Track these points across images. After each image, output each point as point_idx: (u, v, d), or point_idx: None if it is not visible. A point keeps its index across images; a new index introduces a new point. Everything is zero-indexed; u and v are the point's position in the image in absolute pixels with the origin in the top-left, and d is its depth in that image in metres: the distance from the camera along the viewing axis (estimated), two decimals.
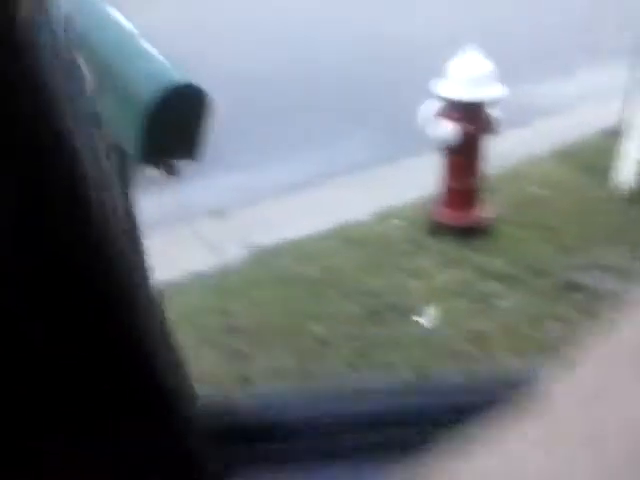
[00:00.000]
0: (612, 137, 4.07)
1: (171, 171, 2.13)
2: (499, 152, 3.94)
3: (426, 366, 2.52)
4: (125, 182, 2.23)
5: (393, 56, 7.12)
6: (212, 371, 2.43)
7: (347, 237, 3.50)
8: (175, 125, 2.04)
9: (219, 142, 4.80)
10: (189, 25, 8.28)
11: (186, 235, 3.70)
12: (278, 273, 3.12)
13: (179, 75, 1.97)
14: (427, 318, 2.79)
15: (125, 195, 2.03)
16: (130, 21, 2.12)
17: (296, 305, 2.86)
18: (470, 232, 3.41)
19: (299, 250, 3.35)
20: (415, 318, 2.79)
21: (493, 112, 3.34)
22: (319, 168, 4.67)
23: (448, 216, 3.45)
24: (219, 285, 3.02)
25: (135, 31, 2.08)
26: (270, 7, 9.81)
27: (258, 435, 0.77)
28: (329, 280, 3.05)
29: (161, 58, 2.04)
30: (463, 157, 3.38)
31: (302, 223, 3.75)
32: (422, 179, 4.03)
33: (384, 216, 3.81)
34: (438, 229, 3.44)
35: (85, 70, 1.81)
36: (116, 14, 2.16)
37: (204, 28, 8.31)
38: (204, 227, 3.76)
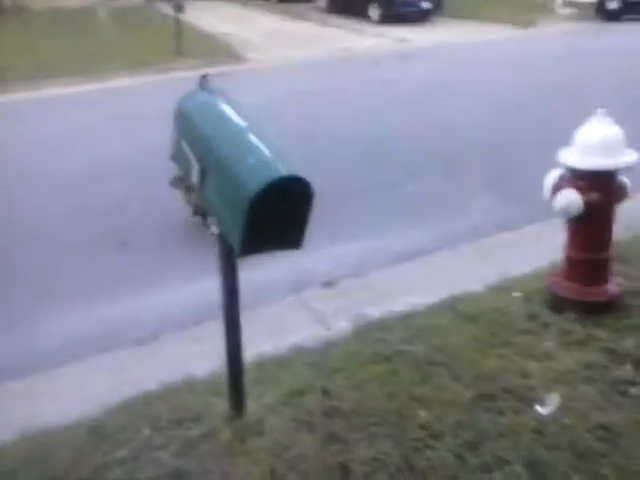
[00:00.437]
0: None
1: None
2: (631, 220, 3.61)
3: (544, 463, 2.24)
4: (231, 265, 2.25)
5: (520, 122, 6.93)
6: (309, 457, 2.32)
7: (460, 311, 3.30)
8: (279, 217, 2.02)
9: (334, 210, 4.84)
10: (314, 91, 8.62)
11: (296, 306, 3.68)
12: (384, 350, 2.97)
13: (284, 168, 1.97)
14: (547, 406, 2.50)
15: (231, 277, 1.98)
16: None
17: (401, 386, 2.68)
18: (598, 308, 3.09)
19: (408, 325, 3.19)
20: (534, 406, 2.52)
21: (623, 179, 3.06)
22: (437, 234, 4.53)
23: (573, 290, 3.15)
24: (322, 361, 2.92)
25: (250, 127, 2.13)
26: (396, 72, 10.03)
27: None
28: (438, 359, 2.85)
29: (268, 152, 2.05)
30: (590, 227, 3.09)
31: (412, 295, 3.59)
32: (545, 249, 3.76)
33: (501, 288, 3.56)
34: (561, 304, 3.15)
35: (193, 161, 1.84)
36: (230, 110, 2.23)
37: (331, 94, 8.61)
38: (314, 298, 3.72)
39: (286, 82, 9.99)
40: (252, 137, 2.11)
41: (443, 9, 15.89)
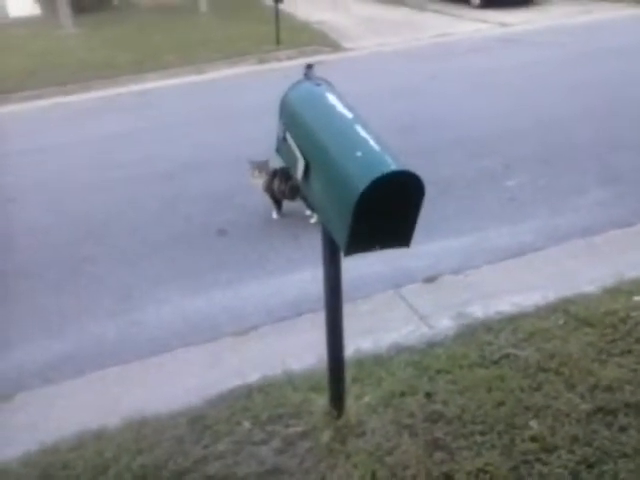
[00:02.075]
0: None
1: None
2: None
3: None
4: (335, 260, 2.18)
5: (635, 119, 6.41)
6: (411, 464, 2.22)
7: (573, 314, 3.07)
8: (387, 213, 1.91)
9: (438, 206, 4.66)
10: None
11: (395, 302, 3.56)
12: (490, 353, 2.81)
13: (394, 162, 1.86)
14: None
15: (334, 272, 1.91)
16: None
17: (510, 393, 2.52)
18: None
19: (516, 327, 3.01)
20: None
21: None
22: (544, 230, 4.27)
23: None
24: (425, 362, 2.80)
25: (356, 119, 2.04)
26: (495, 60, 9.61)
27: None
28: (551, 366, 2.66)
29: (376, 145, 1.95)
30: None
31: (519, 295, 3.39)
32: None
33: (619, 290, 3.29)
34: None
35: (298, 154, 1.75)
36: (336, 101, 2.15)
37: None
38: (415, 295, 3.59)
39: (383, 71, 9.82)
40: (359, 129, 2.00)
41: None
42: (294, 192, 4.55)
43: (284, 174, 4.50)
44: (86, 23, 15.56)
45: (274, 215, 4.78)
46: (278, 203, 4.76)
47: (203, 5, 16.77)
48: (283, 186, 4.59)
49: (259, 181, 4.71)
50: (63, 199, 5.71)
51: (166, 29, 14.63)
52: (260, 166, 4.66)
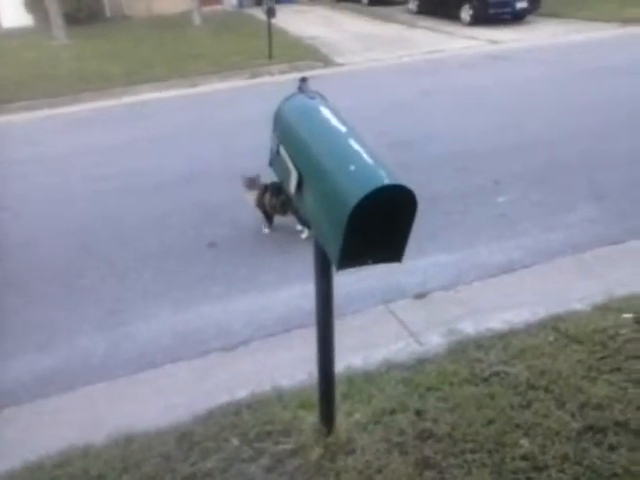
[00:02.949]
0: None
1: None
2: None
3: None
4: (326, 275, 2.17)
5: (621, 136, 6.48)
6: None
7: (563, 331, 3.08)
8: (380, 227, 1.90)
9: (428, 221, 4.66)
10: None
11: (385, 317, 3.56)
12: (480, 370, 2.81)
13: (387, 176, 1.85)
14: None
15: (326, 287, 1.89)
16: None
17: (500, 411, 2.51)
18: None
19: (506, 344, 3.01)
20: None
21: None
22: (534, 246, 4.28)
23: None
24: (415, 379, 2.79)
25: (350, 133, 2.04)
26: (485, 76, 9.70)
27: None
28: (541, 384, 2.66)
29: (370, 159, 1.95)
30: None
31: (509, 311, 3.40)
32: None
33: (608, 308, 3.30)
34: None
35: (291, 167, 1.72)
36: (330, 115, 2.14)
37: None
38: (406, 310, 3.59)
39: (375, 87, 9.88)
40: (353, 143, 2.00)
41: (541, 7, 15.20)
42: (285, 207, 4.56)
43: (275, 189, 4.51)
44: (79, 35, 15.58)
45: (265, 230, 4.78)
46: (269, 218, 4.77)
47: (197, 19, 16.85)
48: (274, 201, 4.60)
49: (251, 196, 4.73)
50: (53, 210, 5.67)
51: (159, 42, 14.67)
52: (251, 181, 4.67)
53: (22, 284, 4.35)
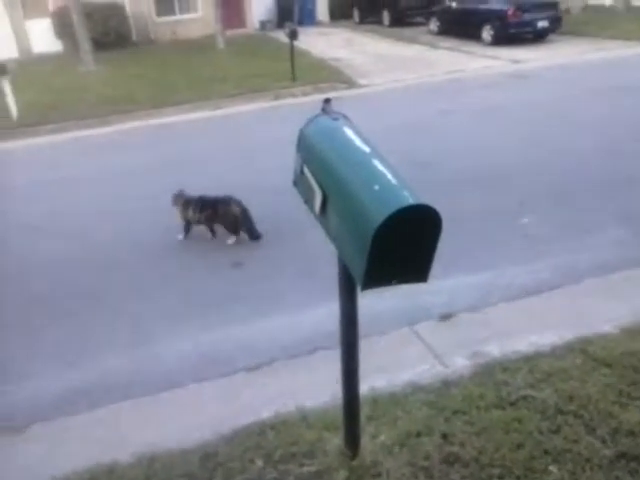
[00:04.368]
0: None
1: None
2: None
3: None
4: (351, 296, 2.17)
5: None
6: None
7: (591, 354, 3.03)
8: (405, 248, 1.90)
9: (453, 242, 4.66)
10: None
11: (410, 339, 3.53)
12: (507, 393, 2.77)
13: (412, 196, 1.84)
14: None
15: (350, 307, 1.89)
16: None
17: (528, 436, 2.47)
18: None
19: (533, 367, 2.96)
20: None
21: None
22: (561, 268, 4.23)
23: None
24: (441, 402, 2.76)
25: (373, 153, 2.05)
26: (506, 96, 9.68)
27: None
28: (570, 408, 2.61)
29: (394, 179, 1.96)
30: None
31: (535, 334, 3.35)
32: None
33: (637, 331, 3.24)
34: None
35: (315, 187, 1.73)
36: (353, 135, 2.16)
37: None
38: (431, 332, 3.55)
39: (396, 107, 9.91)
40: (377, 163, 2.01)
41: (562, 26, 15.19)
42: (210, 221, 5.22)
43: (199, 205, 5.19)
44: (106, 59, 15.91)
45: (179, 237, 5.28)
46: (188, 228, 5.32)
47: (220, 43, 17.11)
48: (197, 215, 5.22)
49: (176, 209, 5.31)
50: (82, 229, 5.76)
51: (184, 65, 14.92)
52: (175, 197, 5.35)
53: (51, 301, 4.41)
